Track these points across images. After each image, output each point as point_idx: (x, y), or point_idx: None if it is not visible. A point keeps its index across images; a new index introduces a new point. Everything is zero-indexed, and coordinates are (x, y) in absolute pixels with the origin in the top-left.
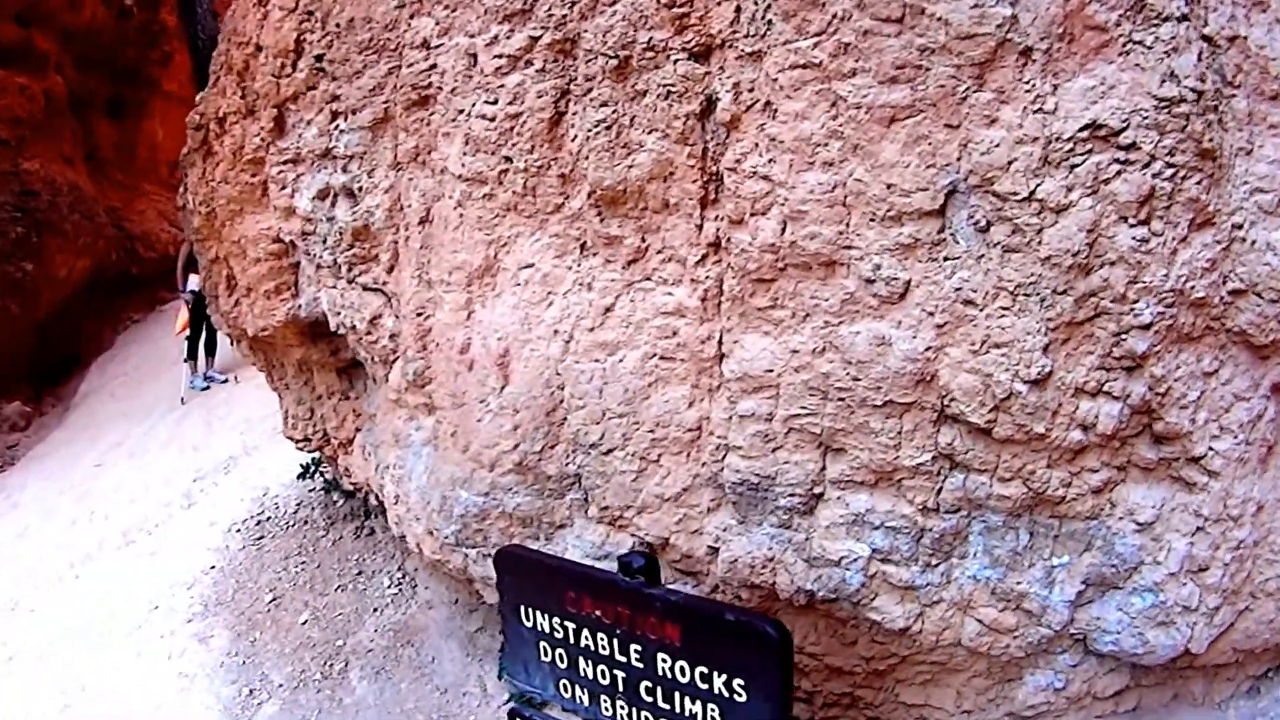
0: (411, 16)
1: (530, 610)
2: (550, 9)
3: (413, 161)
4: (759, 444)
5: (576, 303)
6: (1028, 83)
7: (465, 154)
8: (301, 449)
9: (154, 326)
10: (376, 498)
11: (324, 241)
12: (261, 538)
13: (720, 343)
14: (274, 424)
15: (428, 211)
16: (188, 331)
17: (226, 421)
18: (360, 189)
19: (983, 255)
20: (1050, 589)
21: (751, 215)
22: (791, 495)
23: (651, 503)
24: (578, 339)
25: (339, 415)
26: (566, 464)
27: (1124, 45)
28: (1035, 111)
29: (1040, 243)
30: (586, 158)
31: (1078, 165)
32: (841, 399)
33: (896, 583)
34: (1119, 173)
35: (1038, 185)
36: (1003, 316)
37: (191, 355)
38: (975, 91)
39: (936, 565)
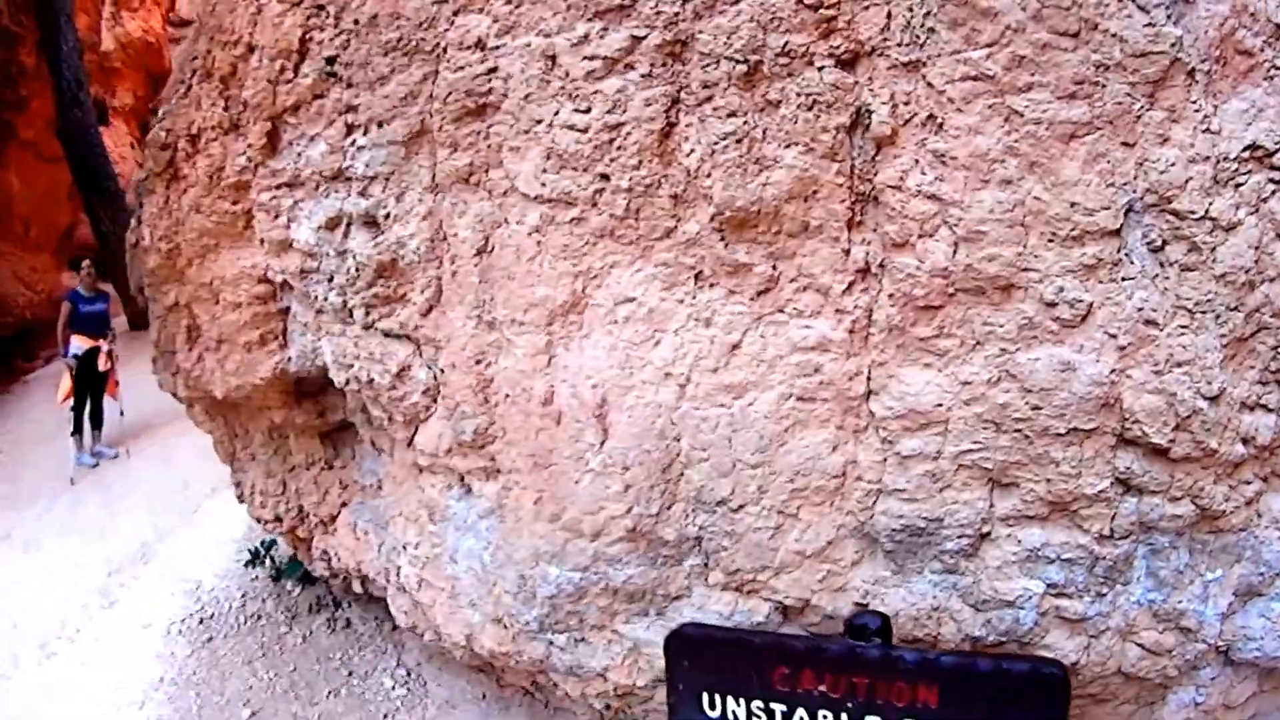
0: (456, 13)
1: (719, 696)
2: (657, 6)
3: (461, 182)
4: (926, 485)
5: (693, 340)
6: (1195, 102)
7: (546, 171)
8: (270, 530)
9: (19, 399)
10: (363, 584)
11: (330, 280)
12: (210, 639)
13: (869, 378)
14: (183, 504)
15: (486, 240)
16: (71, 401)
17: (128, 502)
18: (386, 216)
19: (1157, 274)
20: (1206, 604)
21: (919, 237)
22: (960, 537)
23: (790, 561)
24: (696, 382)
25: (320, 488)
26: (686, 526)
27: (1268, 70)
28: (1204, 131)
29: (1215, 260)
30: (709, 175)
31: (1242, 184)
32: (1019, 430)
33: (1069, 616)
34: (1274, 192)
35: (1211, 204)
36: (1182, 334)
37: (78, 429)
38: (1148, 110)
39: (1105, 594)
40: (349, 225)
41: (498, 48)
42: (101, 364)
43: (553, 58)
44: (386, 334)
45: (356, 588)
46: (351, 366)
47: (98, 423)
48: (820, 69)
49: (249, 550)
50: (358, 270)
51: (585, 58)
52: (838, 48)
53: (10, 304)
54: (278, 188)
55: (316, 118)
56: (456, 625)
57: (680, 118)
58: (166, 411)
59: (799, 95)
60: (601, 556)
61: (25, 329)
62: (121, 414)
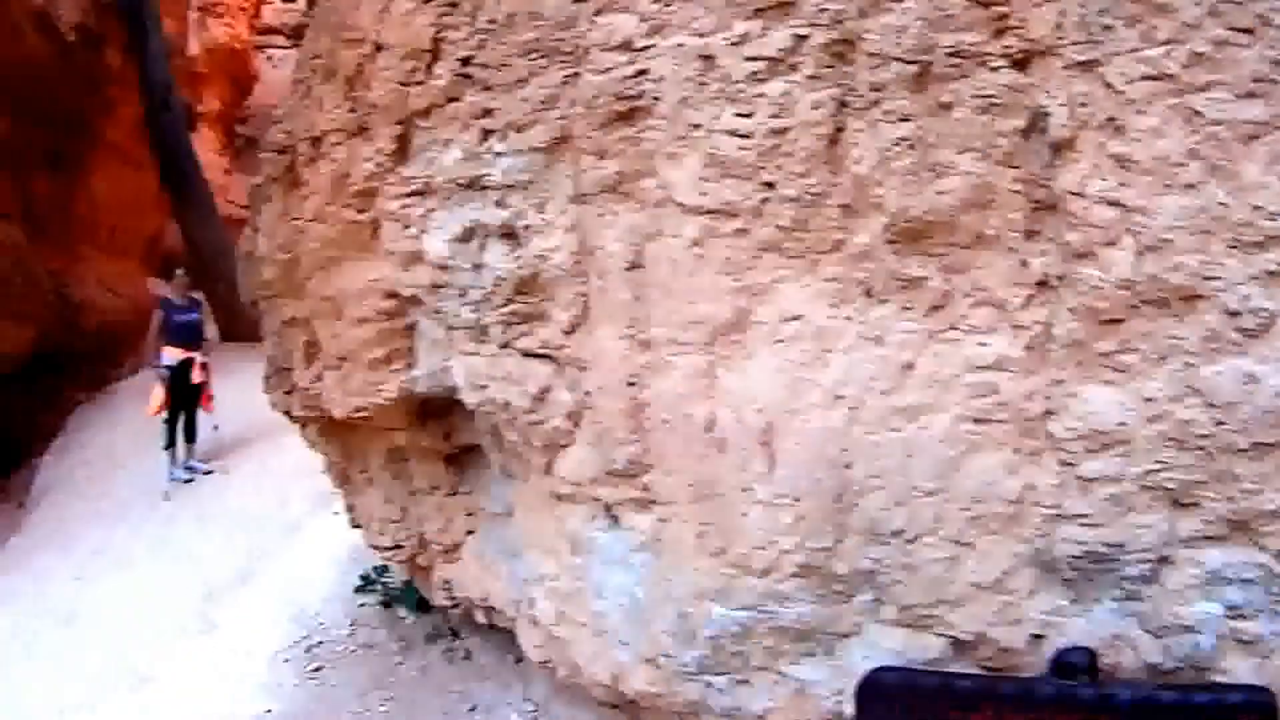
0: (598, 13)
1: None
2: (821, 4)
3: (609, 191)
4: (1108, 508)
5: (864, 361)
6: None
7: (706, 179)
8: (388, 558)
9: (106, 408)
10: (487, 615)
11: (463, 296)
12: (319, 668)
13: (1048, 398)
14: (282, 523)
15: (637, 254)
16: (164, 414)
17: (224, 521)
18: (526, 228)
19: None
20: None
21: (1102, 246)
22: (1141, 561)
23: (966, 593)
24: (869, 405)
25: (443, 515)
26: (858, 559)
27: None
28: None
29: None
30: (880, 183)
31: None
32: (1200, 447)
33: (1246, 638)
34: None
35: None
36: None
37: (170, 443)
38: None
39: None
40: (485, 237)
41: (647, 48)
42: (195, 376)
43: (709, 58)
44: (525, 354)
45: (479, 618)
46: (486, 388)
47: (191, 436)
48: (994, 70)
49: (359, 576)
50: (495, 285)
51: (746, 58)
52: (1010, 47)
53: (95, 311)
54: (408, 196)
55: (450, 122)
56: (602, 664)
57: (848, 122)
58: (262, 426)
59: (972, 97)
60: (770, 594)
61: (110, 336)
62: (216, 428)
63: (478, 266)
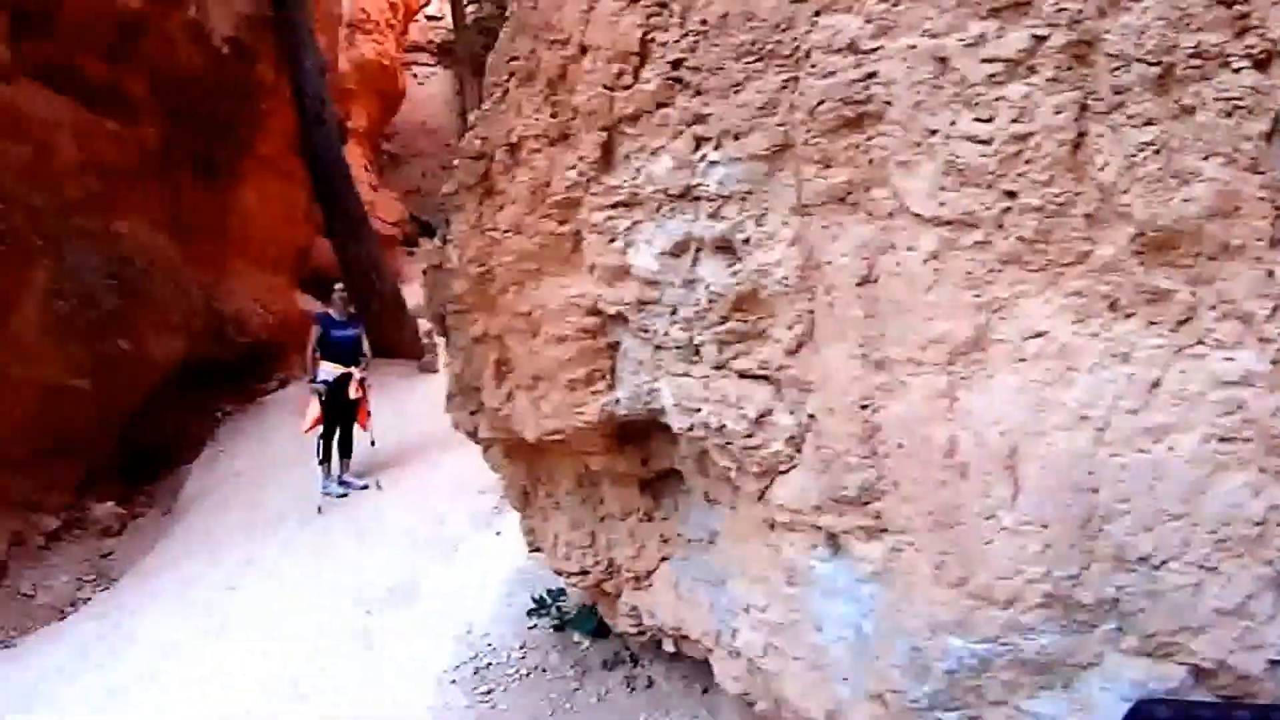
0: (818, 13)
1: None
2: (1058, 4)
3: (835, 202)
4: None
5: (1109, 379)
6: None
7: (944, 188)
8: (575, 584)
9: (255, 420)
10: (676, 643)
11: (673, 313)
12: (490, 691)
13: None
14: (440, 540)
15: (869, 268)
16: (320, 429)
17: (380, 536)
18: (745, 241)
19: None
20: None
21: None
22: None
23: (1209, 620)
24: (1115, 425)
25: (636, 541)
26: (1104, 587)
27: None
28: None
29: None
30: (1126, 191)
31: None
32: None
33: None
34: None
35: None
36: None
37: (325, 458)
38: None
39: None
40: (698, 251)
41: (874, 50)
42: (352, 391)
43: (943, 60)
44: (742, 375)
45: (668, 646)
46: (698, 411)
47: (346, 452)
48: (1236, 71)
49: (532, 599)
50: (710, 302)
51: (982, 60)
52: (1253, 47)
53: (245, 324)
54: (613, 207)
55: (660, 128)
56: (816, 700)
57: (1090, 127)
58: (416, 443)
59: (1215, 100)
60: (1013, 625)
61: (258, 350)
62: (373, 443)
63: (690, 282)
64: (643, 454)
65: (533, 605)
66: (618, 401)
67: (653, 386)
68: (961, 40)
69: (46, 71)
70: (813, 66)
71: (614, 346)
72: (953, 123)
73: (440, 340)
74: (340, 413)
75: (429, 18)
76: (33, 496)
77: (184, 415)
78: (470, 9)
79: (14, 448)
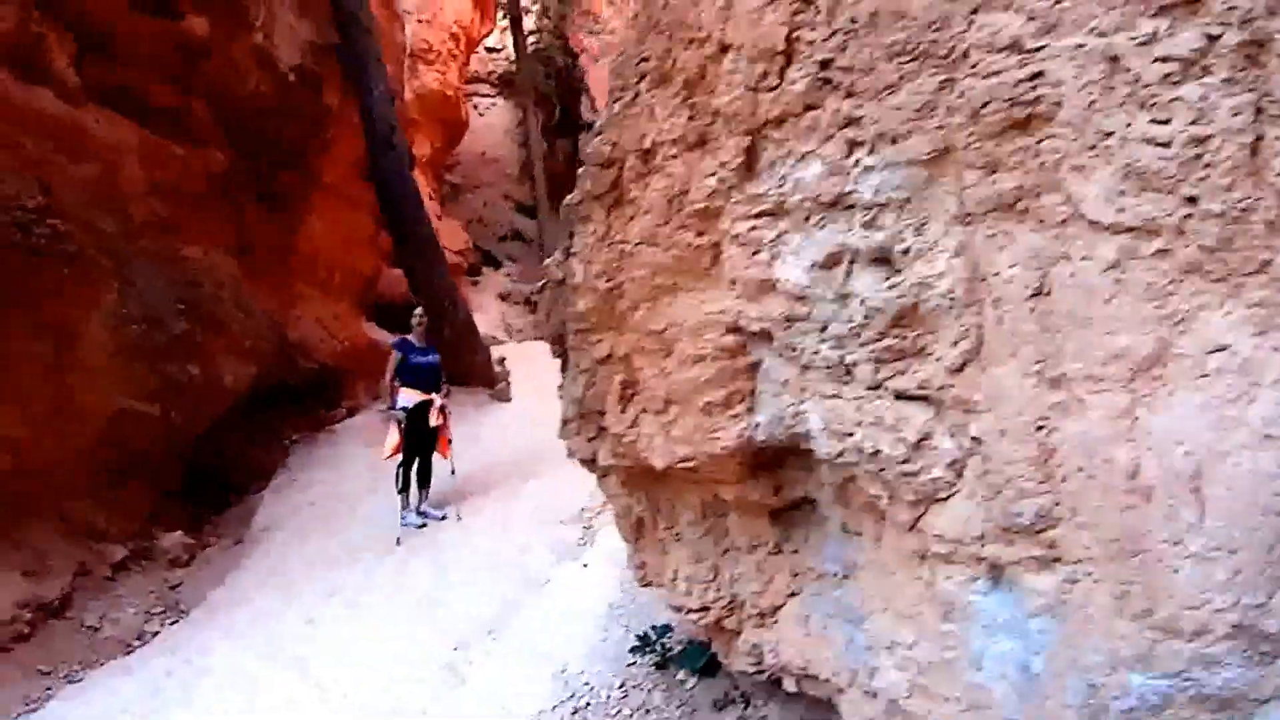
0: (975, 11)
1: None
2: (1229, 2)
3: (1002, 210)
4: None
5: None
6: None
7: (1123, 194)
8: (696, 620)
9: (326, 449)
10: (799, 682)
11: (823, 331)
12: None
13: None
14: (526, 573)
15: (1042, 280)
16: (399, 457)
17: (463, 569)
18: (904, 252)
19: None
20: None
21: None
22: None
23: None
24: None
25: (763, 575)
26: None
27: None
28: None
29: None
30: None
31: None
32: None
33: None
34: None
35: None
36: None
37: (404, 487)
38: None
39: None
40: (852, 263)
41: (1039, 49)
42: (433, 419)
43: (1115, 59)
44: (900, 395)
45: (789, 686)
46: (851, 435)
47: (425, 481)
48: None
49: (636, 636)
50: (866, 318)
51: (1156, 59)
52: None
53: (312, 351)
54: (757, 216)
55: (808, 132)
56: None
57: (1266, 130)
58: (496, 472)
59: None
60: (1198, 659)
61: (326, 377)
62: (453, 473)
63: (843, 297)
64: (775, 482)
65: (635, 643)
66: (757, 426)
67: (798, 409)
68: (1133, 39)
69: (112, 95)
70: (972, 67)
71: (754, 367)
72: (1129, 125)
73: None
74: (420, 441)
75: (489, 49)
76: (99, 525)
77: (252, 442)
78: (531, 39)
79: (79, 474)
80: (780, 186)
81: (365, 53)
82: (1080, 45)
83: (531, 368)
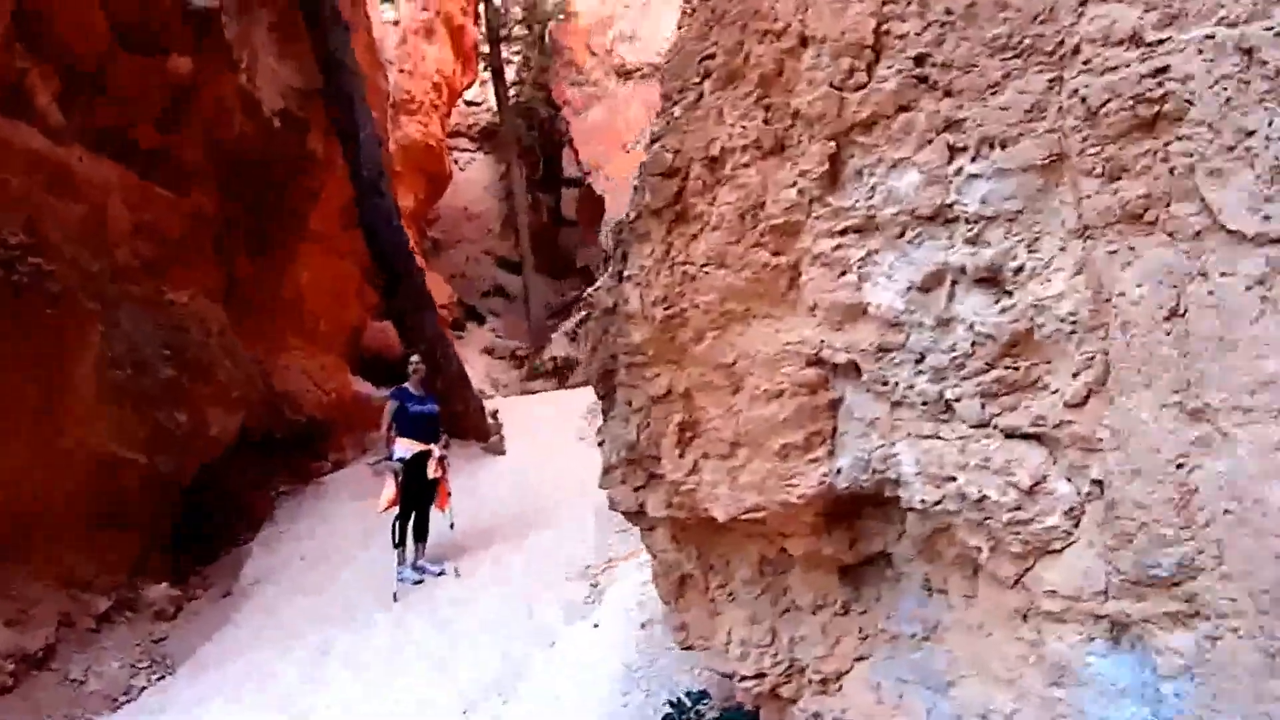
0: (1085, 2)
1: None
2: None
3: (1126, 222)
4: None
5: None
6: None
7: (1268, 200)
8: (751, 687)
9: (315, 501)
10: None
11: (920, 361)
12: None
13: None
14: (533, 632)
15: (1176, 300)
16: (395, 510)
17: (465, 627)
18: (1017, 271)
19: None
20: None
21: None
22: None
23: None
24: None
25: (828, 638)
26: None
27: None
28: None
29: None
30: None
31: None
32: None
33: None
34: None
35: None
36: None
37: (401, 541)
38: None
39: None
40: (954, 284)
41: (1161, 42)
42: (431, 471)
43: (1249, 51)
44: (1010, 434)
45: None
46: (952, 480)
47: (422, 535)
48: None
49: (667, 703)
50: (971, 346)
51: None
52: None
53: (299, 402)
54: (842, 233)
55: (902, 137)
56: None
57: None
58: (493, 526)
59: None
60: None
61: (313, 428)
62: (452, 526)
63: (944, 323)
64: (851, 535)
65: (667, 709)
66: (838, 471)
67: (888, 452)
68: (1269, 28)
69: (96, 135)
70: (1085, 64)
71: (835, 405)
72: (1270, 123)
73: (499, 421)
74: (418, 493)
75: (468, 103)
76: (83, 574)
77: (238, 493)
78: (513, 91)
79: (63, 522)
80: (869, 198)
81: (351, 95)
82: (1209, 37)
83: (520, 422)
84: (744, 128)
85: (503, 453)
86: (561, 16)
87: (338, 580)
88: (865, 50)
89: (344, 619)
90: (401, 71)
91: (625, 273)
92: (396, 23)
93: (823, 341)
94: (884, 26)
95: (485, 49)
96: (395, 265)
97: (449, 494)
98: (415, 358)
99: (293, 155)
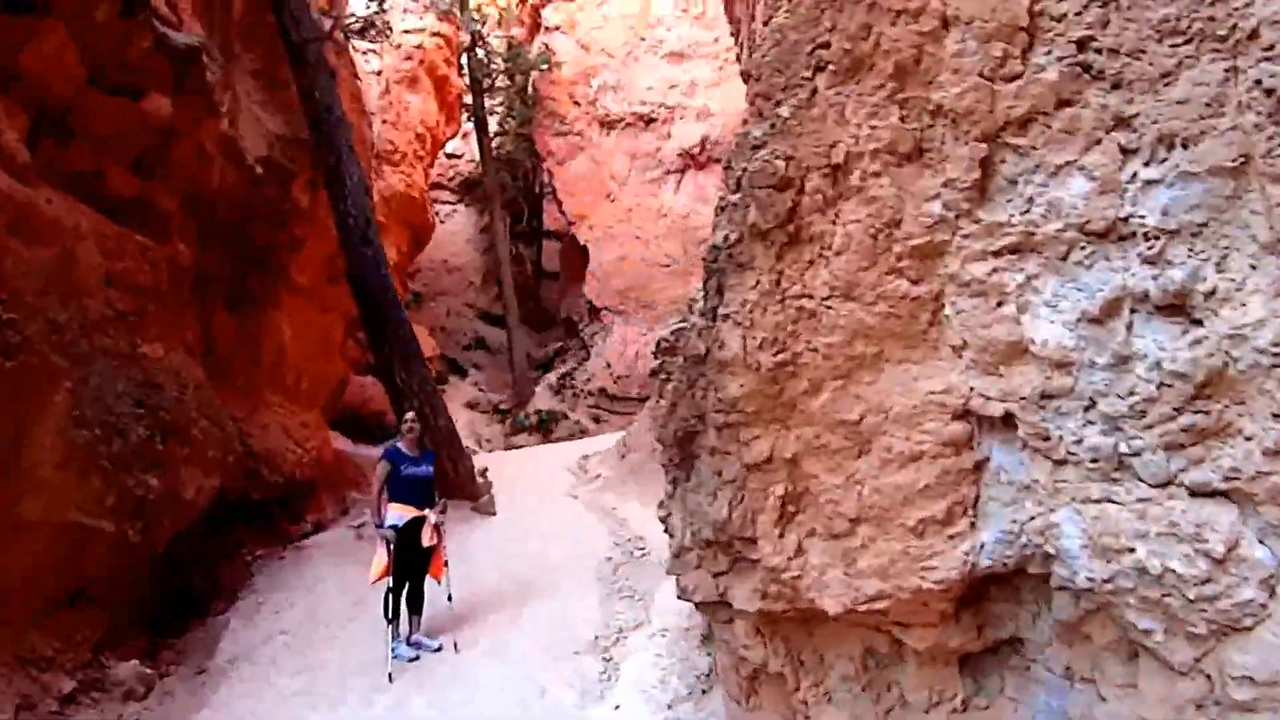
0: None
1: None
2: None
3: None
4: None
5: None
6: None
7: None
8: None
9: (296, 569)
10: None
11: (1089, 408)
12: None
13: None
14: (549, 717)
15: None
16: (387, 580)
17: (470, 710)
18: (1208, 294)
19: None
20: None
21: None
22: None
23: None
24: None
25: None
26: None
27: None
28: None
29: None
30: None
31: None
32: None
33: None
34: None
35: None
36: None
37: (394, 614)
38: None
39: None
40: (1133, 314)
41: None
42: (426, 538)
43: None
44: (1196, 492)
45: None
46: (1130, 551)
47: (416, 608)
48: None
49: None
50: (1157, 388)
51: None
52: None
53: (278, 461)
54: (996, 254)
55: (1064, 137)
56: None
57: None
58: (492, 597)
59: None
60: None
61: (292, 490)
62: (450, 599)
63: (1122, 360)
64: (979, 620)
65: None
66: (980, 547)
67: (1047, 522)
68: None
69: (70, 178)
70: (1266, 50)
71: (980, 467)
72: None
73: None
74: (412, 562)
75: (449, 155)
76: (45, 653)
77: (214, 560)
78: (495, 142)
79: (25, 597)
80: (1027, 211)
81: (339, 141)
82: None
83: (508, 478)
84: (873, 129)
85: (494, 513)
86: (545, 66)
87: (324, 657)
88: (1019, 33)
89: (334, 701)
90: (385, 122)
91: (722, 310)
92: (379, 73)
93: (972, 389)
94: (1038, 5)
95: (469, 99)
96: (384, 318)
97: (445, 563)
98: (410, 415)
99: (276, 205)
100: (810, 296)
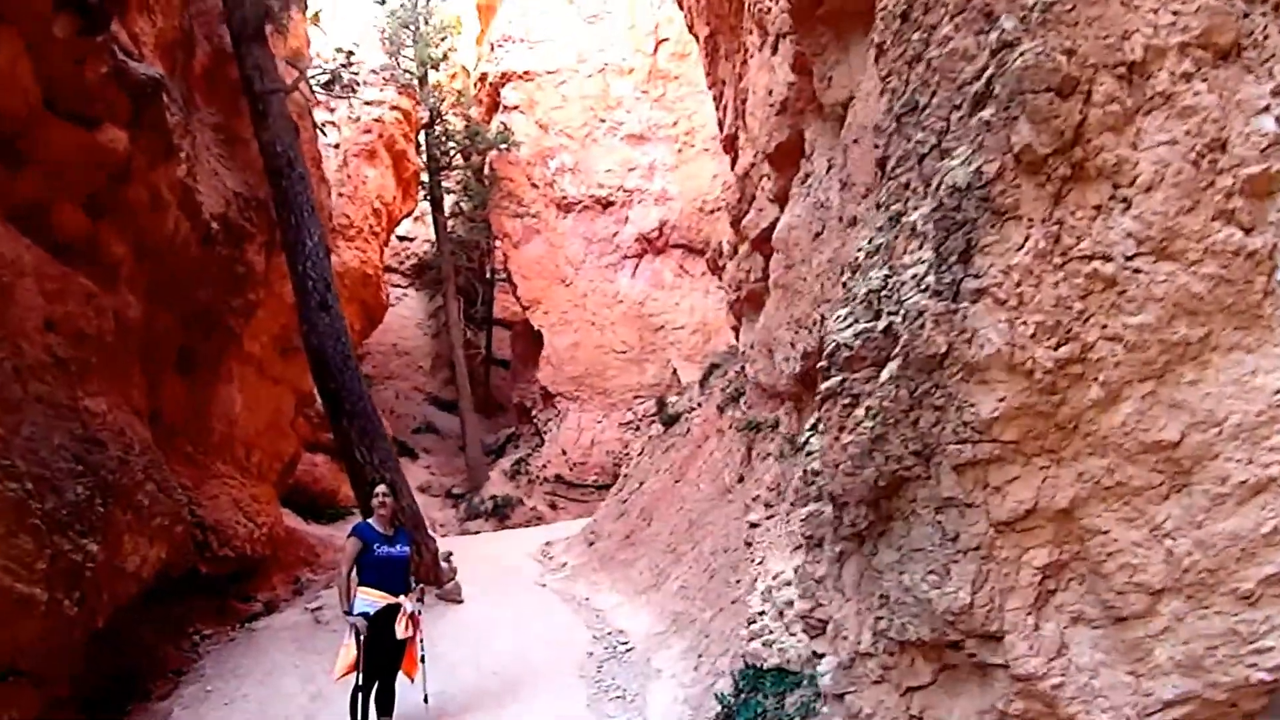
0: None
1: None
2: None
3: None
4: None
5: None
6: None
7: None
8: None
9: (247, 653)
10: None
11: None
12: None
13: None
14: None
15: None
16: (355, 676)
17: None
18: None
19: None
20: None
21: None
22: None
23: None
24: None
25: None
26: None
27: None
28: None
29: None
30: None
31: None
32: None
33: None
34: None
35: None
36: None
37: (363, 716)
38: None
39: None
40: None
41: None
42: (400, 630)
43: None
44: None
45: None
46: None
47: (386, 708)
48: None
49: None
50: None
51: None
52: None
53: (229, 536)
54: None
55: None
56: None
57: None
58: (461, 694)
59: None
60: None
61: (242, 566)
62: (426, 700)
63: None
64: None
65: None
66: None
67: None
68: None
69: (13, 209)
70: None
71: None
72: None
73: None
74: (383, 657)
75: (400, 238)
76: None
77: (157, 638)
78: (451, 222)
79: None
80: None
81: (300, 198)
82: None
83: (471, 564)
84: (1175, 14)
85: (460, 600)
86: (505, 146)
87: None
88: None
89: None
90: (341, 195)
91: (971, 284)
92: (337, 146)
93: None
94: None
95: (425, 178)
96: (342, 389)
97: (421, 658)
98: (382, 489)
99: (229, 266)
100: (1107, 257)
